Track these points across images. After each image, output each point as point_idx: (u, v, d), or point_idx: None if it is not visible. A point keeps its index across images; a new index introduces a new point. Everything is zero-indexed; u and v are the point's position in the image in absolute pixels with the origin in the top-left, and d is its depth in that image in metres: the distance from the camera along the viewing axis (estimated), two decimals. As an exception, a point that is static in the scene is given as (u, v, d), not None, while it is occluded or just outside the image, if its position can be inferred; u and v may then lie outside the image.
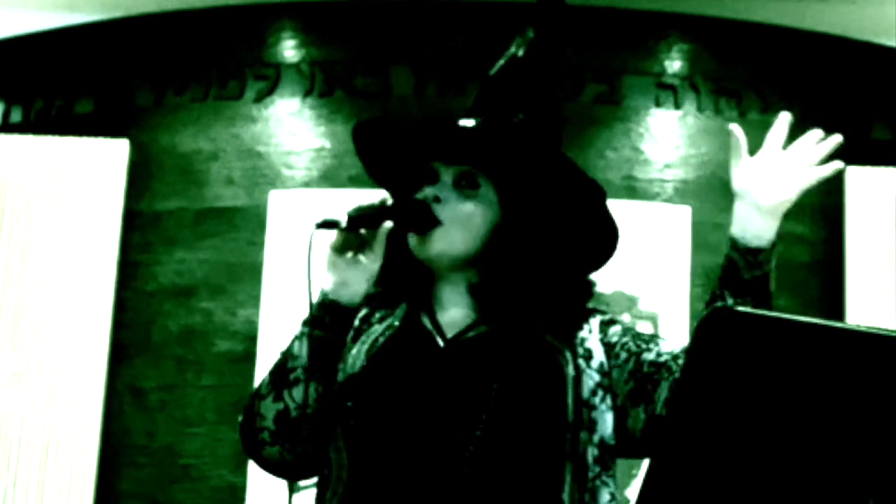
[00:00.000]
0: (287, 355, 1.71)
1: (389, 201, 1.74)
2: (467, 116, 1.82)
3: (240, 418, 1.76)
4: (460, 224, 1.77)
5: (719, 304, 1.66)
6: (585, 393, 1.71)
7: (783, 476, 1.20)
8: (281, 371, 1.71)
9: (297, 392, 1.68)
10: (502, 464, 1.67)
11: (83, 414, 5.29)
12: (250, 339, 5.32)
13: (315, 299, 1.71)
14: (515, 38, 1.91)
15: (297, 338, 1.71)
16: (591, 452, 1.70)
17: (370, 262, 1.72)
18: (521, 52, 1.88)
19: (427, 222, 1.75)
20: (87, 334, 5.36)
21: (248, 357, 5.29)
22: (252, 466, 5.28)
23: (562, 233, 1.82)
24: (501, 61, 1.88)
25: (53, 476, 5.25)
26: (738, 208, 1.70)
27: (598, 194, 1.79)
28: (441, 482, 1.65)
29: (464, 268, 1.80)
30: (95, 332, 5.37)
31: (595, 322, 1.80)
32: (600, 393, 1.72)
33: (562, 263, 1.82)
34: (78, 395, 5.30)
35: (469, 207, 1.78)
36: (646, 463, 1.56)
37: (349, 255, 1.72)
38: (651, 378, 1.69)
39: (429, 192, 1.78)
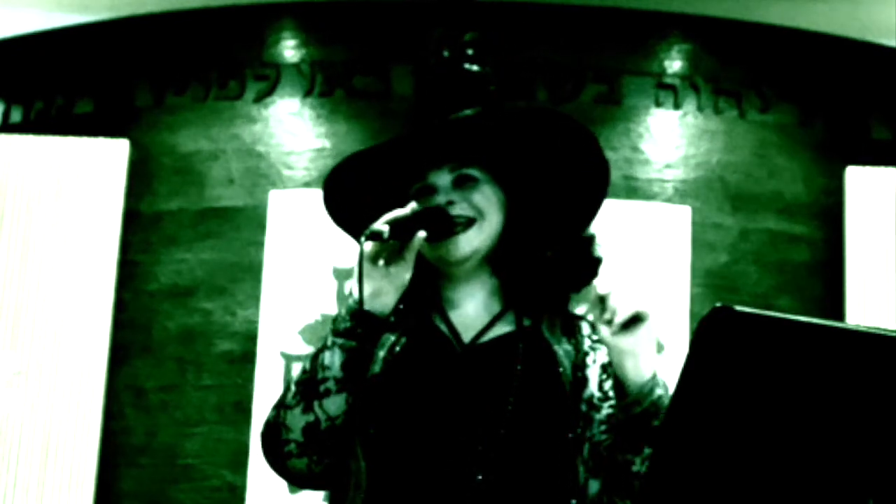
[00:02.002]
0: (317, 366, 1.69)
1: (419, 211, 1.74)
2: (420, 123, 1.84)
3: (262, 430, 1.74)
4: (486, 216, 1.80)
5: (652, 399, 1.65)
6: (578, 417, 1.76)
7: (783, 475, 1.20)
8: (311, 382, 1.68)
9: (328, 403, 1.67)
10: (517, 474, 1.69)
11: (83, 414, 5.29)
12: (250, 339, 5.32)
13: (345, 310, 1.70)
14: (432, 42, 1.92)
15: (327, 348, 1.69)
16: (592, 485, 1.73)
17: (402, 272, 1.71)
18: (446, 53, 1.89)
19: (454, 224, 1.76)
20: (87, 334, 5.36)
21: (248, 357, 5.29)
22: (252, 466, 5.29)
23: (561, 184, 1.85)
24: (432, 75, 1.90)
25: (53, 476, 5.25)
26: (612, 360, 1.68)
27: (585, 135, 1.82)
28: (459, 490, 1.66)
29: (482, 260, 1.82)
30: (95, 332, 5.37)
31: (602, 355, 1.80)
32: (582, 423, 1.76)
33: (567, 216, 1.85)
34: (78, 395, 5.30)
35: (482, 198, 1.80)
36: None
37: (381, 264, 1.71)
38: (599, 453, 1.73)
39: (439, 199, 1.79)
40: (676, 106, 5.53)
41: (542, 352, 1.77)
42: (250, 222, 5.43)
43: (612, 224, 5.24)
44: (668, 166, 5.47)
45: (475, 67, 1.86)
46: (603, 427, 1.73)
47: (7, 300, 5.41)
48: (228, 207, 5.47)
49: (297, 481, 1.75)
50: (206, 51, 5.71)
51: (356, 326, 1.68)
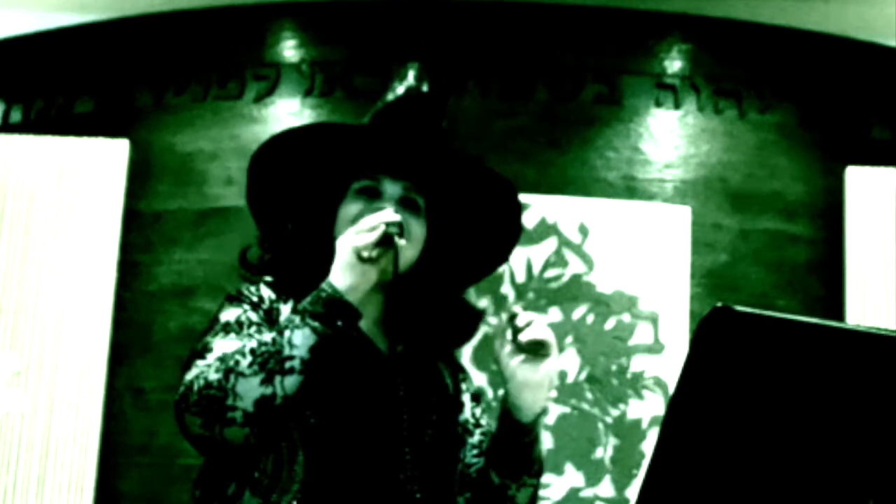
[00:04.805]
0: (284, 342, 1.69)
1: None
2: (383, 133, 1.89)
3: (197, 387, 1.67)
4: (415, 242, 1.87)
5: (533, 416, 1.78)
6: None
7: (784, 475, 1.20)
8: (274, 357, 1.68)
9: (289, 382, 1.67)
10: (435, 483, 1.81)
11: (83, 414, 5.29)
12: (250, 339, 5.31)
13: (319, 295, 1.73)
14: (407, 69, 1.99)
15: (297, 328, 1.70)
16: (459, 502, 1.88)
17: (373, 272, 1.75)
18: (424, 87, 1.96)
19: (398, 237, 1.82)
20: (87, 334, 5.36)
21: (248, 357, 5.29)
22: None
23: (472, 237, 1.95)
24: (400, 91, 1.95)
25: (53, 476, 5.25)
26: (508, 388, 1.78)
27: (509, 191, 1.91)
28: (388, 493, 1.75)
29: (380, 287, 1.85)
30: (95, 332, 5.37)
31: (471, 385, 1.95)
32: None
33: (468, 267, 1.96)
34: (78, 395, 5.30)
35: (418, 227, 1.88)
36: (646, 462, 1.57)
37: (365, 258, 1.74)
38: (468, 475, 1.87)
39: (384, 205, 1.84)
40: (676, 106, 5.53)
41: (438, 373, 1.90)
42: (250, 222, 5.42)
43: (612, 224, 5.25)
44: (668, 166, 5.47)
45: (435, 106, 1.94)
46: (475, 451, 1.86)
47: (7, 300, 5.41)
48: (228, 207, 5.47)
49: (221, 451, 1.71)
50: (206, 51, 5.71)
51: (333, 313, 1.70)
